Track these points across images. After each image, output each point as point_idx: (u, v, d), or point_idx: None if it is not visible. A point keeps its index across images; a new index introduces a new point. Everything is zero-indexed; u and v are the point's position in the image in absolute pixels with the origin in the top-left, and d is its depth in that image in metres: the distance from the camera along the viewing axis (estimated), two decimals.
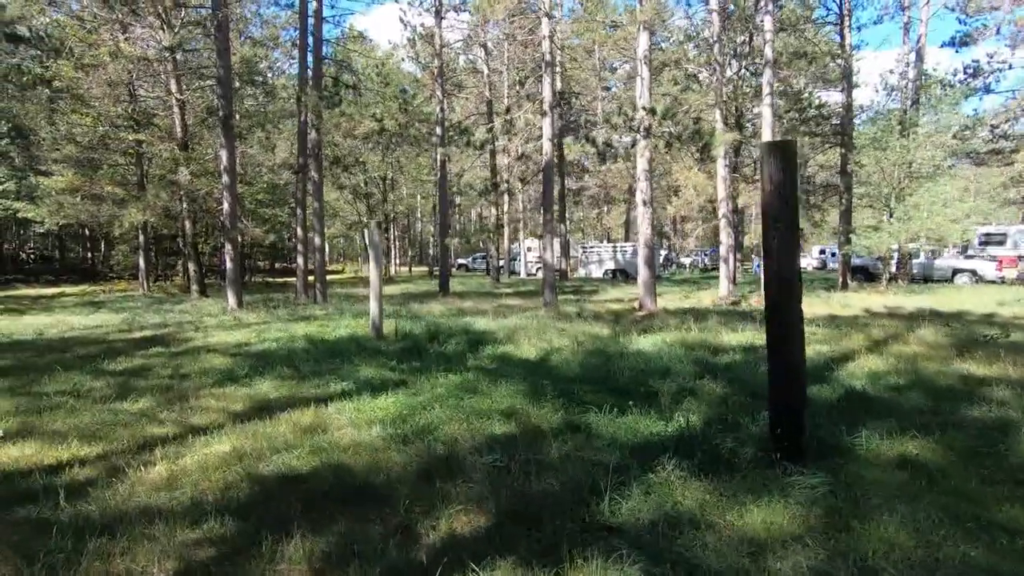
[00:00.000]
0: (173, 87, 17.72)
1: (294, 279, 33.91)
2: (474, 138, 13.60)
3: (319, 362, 7.18)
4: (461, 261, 44.43)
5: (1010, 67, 22.75)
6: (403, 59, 22.01)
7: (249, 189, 21.06)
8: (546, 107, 14.12)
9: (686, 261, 42.63)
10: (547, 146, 14.30)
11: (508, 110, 13.68)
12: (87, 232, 33.27)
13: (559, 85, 13.52)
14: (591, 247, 34.17)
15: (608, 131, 11.17)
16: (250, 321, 12.12)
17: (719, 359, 6.96)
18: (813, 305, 15.12)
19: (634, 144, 13.71)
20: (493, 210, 25.21)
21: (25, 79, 15.26)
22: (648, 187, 12.27)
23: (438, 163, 17.63)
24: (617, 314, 12.36)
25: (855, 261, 24.10)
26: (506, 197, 29.28)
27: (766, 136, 14.12)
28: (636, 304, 13.26)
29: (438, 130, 17.85)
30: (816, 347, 7.51)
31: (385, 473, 3.62)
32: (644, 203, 12.23)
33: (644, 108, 10.76)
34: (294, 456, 3.89)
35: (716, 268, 42.49)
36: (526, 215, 35.81)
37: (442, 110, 17.59)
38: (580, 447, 3.99)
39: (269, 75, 24.11)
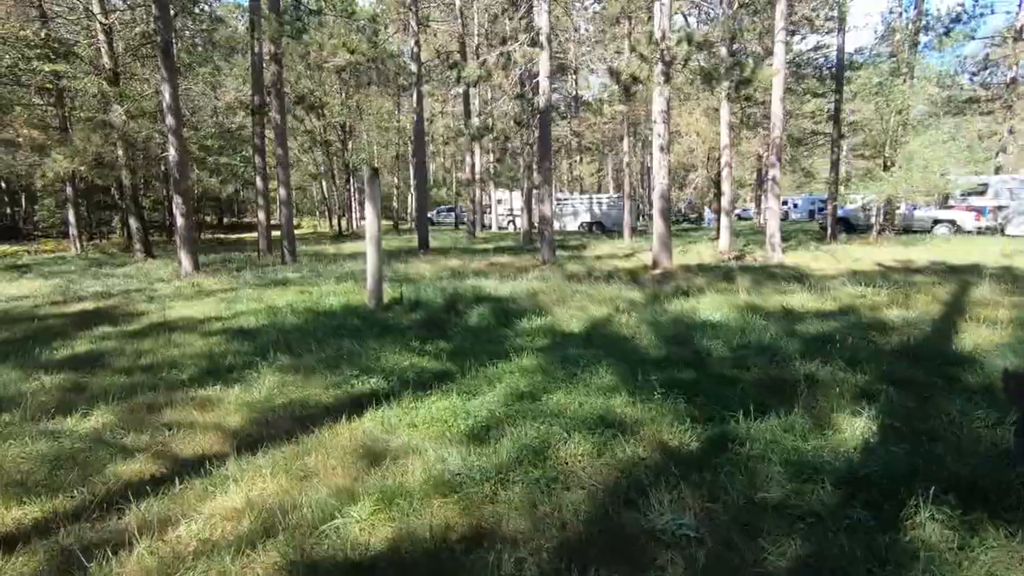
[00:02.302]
0: (96, 8, 14.86)
1: (249, 236, 31.33)
2: (464, 73, 11.84)
3: (321, 344, 5.75)
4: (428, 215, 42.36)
5: (992, 11, 22.20)
6: None
7: (196, 134, 18.49)
8: (542, 39, 12.43)
9: None
10: (544, 84, 12.69)
11: (504, 41, 11.92)
12: (3, 184, 29.43)
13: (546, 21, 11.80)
14: (565, 199, 32.79)
15: (635, 62, 9.69)
16: (213, 288, 10.39)
17: (804, 329, 5.93)
18: (820, 259, 14.46)
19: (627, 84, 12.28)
20: (468, 159, 23.36)
21: None
22: (666, 131, 10.95)
23: (415, 103, 15.69)
24: (632, 273, 11.25)
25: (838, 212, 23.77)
26: (477, 147, 27.37)
27: (776, 76, 12.94)
28: (650, 261, 12.17)
29: (412, 66, 15.79)
30: (897, 312, 6.61)
31: (510, 551, 2.36)
32: (661, 149, 10.95)
33: (680, 36, 9.29)
34: (353, 518, 2.57)
35: (688, 220, 42.05)
36: (492, 166, 33.89)
37: (417, 43, 15.50)
38: (757, 482, 2.83)
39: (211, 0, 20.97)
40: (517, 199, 34.35)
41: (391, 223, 38.98)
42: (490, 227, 34.04)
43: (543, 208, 13.08)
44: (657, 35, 10.15)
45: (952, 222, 22.70)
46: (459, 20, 21.47)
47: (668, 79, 9.75)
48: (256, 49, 14.37)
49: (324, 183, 31.50)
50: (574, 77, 29.01)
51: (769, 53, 17.87)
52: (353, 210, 34.12)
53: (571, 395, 4.06)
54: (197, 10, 19.30)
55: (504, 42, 12.08)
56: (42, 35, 15.39)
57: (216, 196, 26.95)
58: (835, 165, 20.60)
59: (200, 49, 20.20)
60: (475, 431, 3.52)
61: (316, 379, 4.63)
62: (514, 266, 13.57)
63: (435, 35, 24.06)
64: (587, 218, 30.79)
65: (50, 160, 14.67)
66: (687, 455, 3.17)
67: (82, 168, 15.00)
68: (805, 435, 3.35)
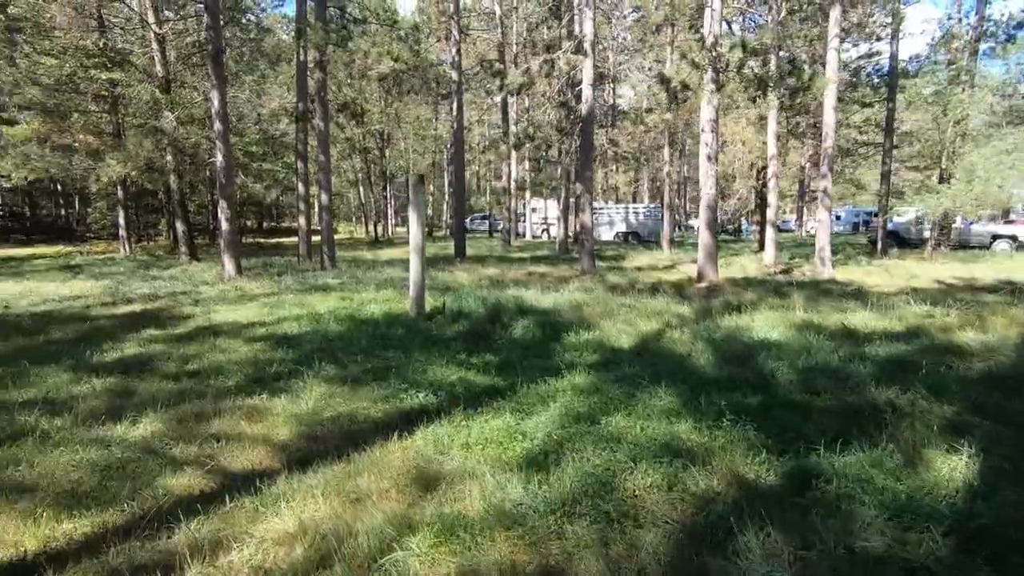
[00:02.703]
0: (150, 17, 15.36)
1: (288, 240, 31.95)
2: (508, 81, 11.74)
3: (366, 354, 5.64)
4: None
5: None
6: None
7: (241, 140, 18.93)
8: (586, 46, 12.25)
9: (694, 223, 41.20)
10: (587, 91, 12.49)
11: (549, 48, 11.77)
12: (59, 187, 30.74)
13: (590, 28, 11.62)
14: (600, 208, 32.41)
15: (685, 69, 9.40)
16: (255, 292, 10.48)
17: (873, 351, 5.54)
18: (873, 275, 13.84)
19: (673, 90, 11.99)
20: (505, 168, 23.29)
21: None
22: (714, 140, 10.60)
23: (455, 111, 15.71)
24: (677, 286, 10.91)
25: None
26: (513, 155, 27.32)
27: (831, 85, 12.44)
28: (693, 273, 11.80)
29: (453, 74, 15.81)
30: (973, 335, 6.14)
31: None
32: (709, 158, 10.61)
33: (733, 42, 8.97)
34: (413, 550, 2.39)
35: (726, 231, 41.10)
36: (529, 174, 33.81)
37: (459, 52, 15.52)
38: (852, 527, 2.55)
39: (258, 11, 21.54)
40: (552, 208, 34.18)
41: (425, 230, 39.26)
42: (524, 235, 33.92)
43: (583, 217, 12.85)
44: (708, 41, 9.85)
45: (1013, 237, 21.56)
46: (499, 29, 21.48)
47: (721, 86, 9.44)
48: (301, 57, 14.58)
49: (361, 189, 31.91)
50: (612, 86, 28.73)
51: (815, 61, 17.31)
52: (388, 217, 34.45)
53: (631, 418, 3.82)
54: (244, 21, 19.85)
55: (548, 49, 11.94)
56: (100, 45, 15.99)
57: (257, 201, 27.54)
58: (886, 177, 19.78)
59: (246, 58, 20.73)
60: (533, 455, 3.31)
61: (363, 391, 4.50)
62: (553, 276, 13.36)
63: (474, 44, 24.16)
64: (623, 228, 30.36)
65: (104, 164, 15.16)
66: (767, 491, 2.90)
67: (133, 172, 15.47)
68: (897, 473, 3.04)
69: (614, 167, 40.52)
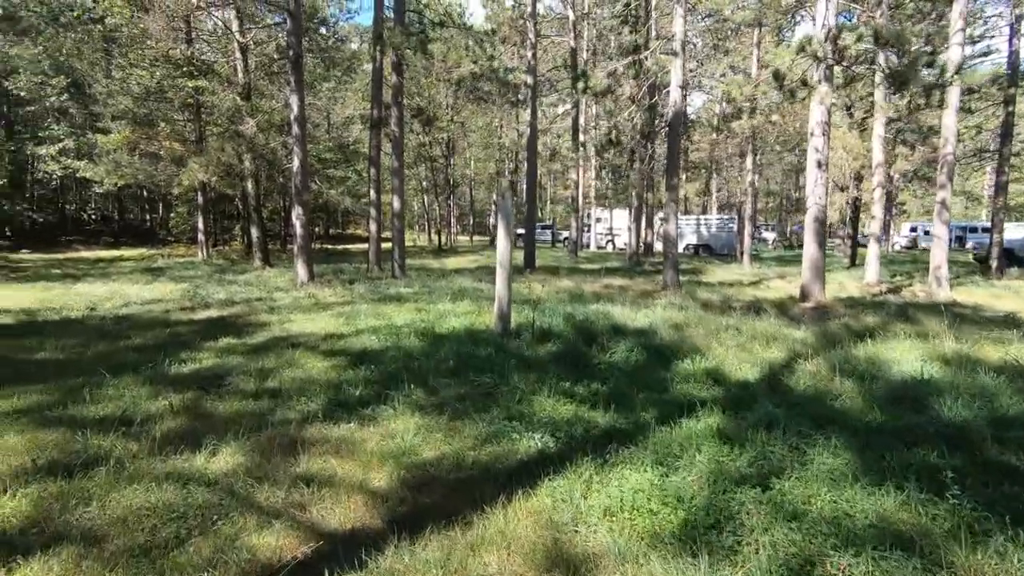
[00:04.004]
0: (234, 26, 15.72)
1: (355, 247, 32.43)
2: (591, 84, 11.08)
3: (456, 377, 5.06)
4: (520, 231, 42.02)
5: None
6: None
7: (315, 147, 19.17)
8: (676, 46, 11.42)
9: (769, 236, 39.09)
10: (676, 94, 11.64)
11: (637, 48, 11.05)
12: (145, 193, 32.42)
13: (681, 26, 10.77)
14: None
15: (801, 63, 8.44)
16: (329, 300, 10.20)
17: None
18: (1002, 297, 12.24)
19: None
20: (573, 175, 22.58)
21: (76, 14, 13.57)
22: (825, 144, 9.51)
23: (528, 116, 15.21)
24: (779, 305, 9.85)
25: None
26: (580, 163, 26.60)
27: (955, 86, 11.05)
28: (783, 290, 10.70)
29: (528, 78, 15.33)
30: None
31: None
32: (819, 164, 9.52)
33: (860, 32, 7.91)
34: None
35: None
36: (596, 183, 32.97)
37: (534, 55, 15.03)
38: None
39: (337, 20, 21.91)
40: (617, 217, 33.19)
41: (487, 239, 39.03)
42: (588, 246, 33.03)
43: (667, 228, 11.96)
44: (819, 35, 8.83)
45: None
46: (571, 33, 20.89)
47: (849, 81, 8.43)
48: (377, 64, 14.46)
49: (426, 197, 32.01)
50: (685, 92, 27.57)
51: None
52: (452, 225, 34.41)
53: (806, 482, 3.02)
54: (324, 31, 20.17)
55: (636, 49, 11.20)
56: (187, 55, 16.53)
57: (324, 207, 28.01)
58: (1002, 188, 17.76)
59: (320, 69, 21.06)
60: (698, 530, 2.58)
61: (464, 426, 3.89)
62: (633, 290, 12.52)
63: (545, 51, 23.70)
64: (693, 240, 28.98)
65: (187, 170, 15.57)
66: None
67: (213, 178, 15.83)
68: None
69: (684, 176, 39.06)
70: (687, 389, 4.85)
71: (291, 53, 11.79)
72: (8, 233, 25.63)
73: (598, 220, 34.43)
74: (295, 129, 12.05)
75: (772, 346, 6.34)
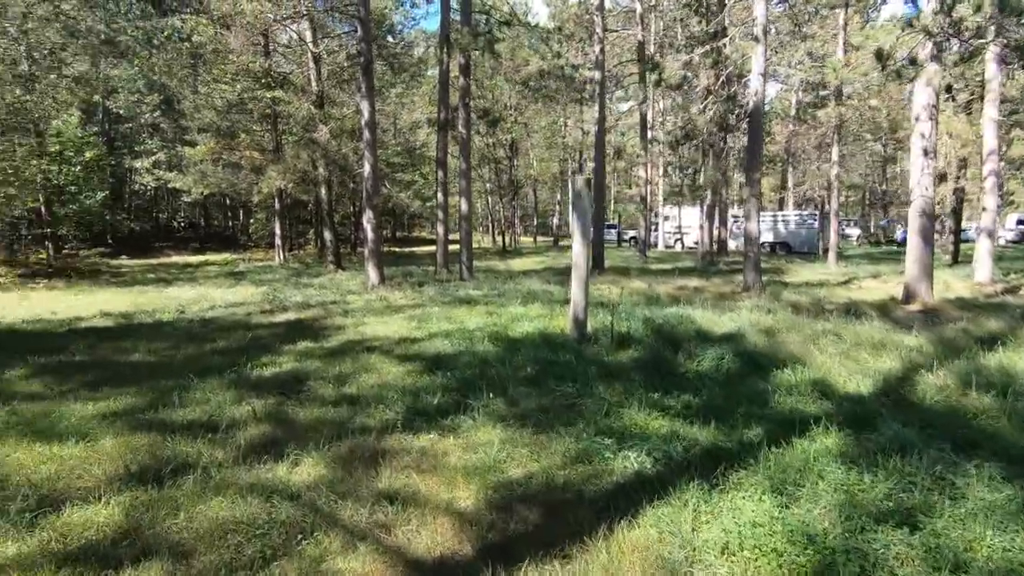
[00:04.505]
0: (308, 37, 16.28)
1: (420, 249, 33.05)
2: (665, 75, 10.57)
3: (536, 385, 4.82)
4: None
5: None
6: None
7: (383, 152, 19.62)
8: (758, 31, 10.71)
9: (852, 232, 36.58)
10: (757, 82, 10.93)
11: (714, 35, 10.44)
12: (228, 201, 34.36)
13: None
14: (743, 216, 29.74)
15: (911, 39, 7.62)
16: (400, 303, 10.24)
17: None
18: None
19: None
20: (641, 173, 21.92)
21: (166, 34, 14.50)
22: (933, 130, 8.59)
23: (596, 112, 14.83)
24: (880, 308, 9.00)
25: None
26: (649, 160, 25.77)
27: None
28: (889, 292, 9.77)
29: (596, 74, 14.92)
30: None
31: None
32: (925, 152, 8.60)
33: (978, 2, 7.03)
34: None
35: (893, 242, 35.94)
36: (663, 180, 31.92)
37: (602, 50, 14.61)
38: None
39: (404, 27, 22.37)
40: (687, 215, 32.03)
41: (551, 239, 38.74)
42: (656, 245, 32.05)
43: (749, 226, 11.25)
44: (929, 7, 7.95)
45: None
46: (639, 26, 20.24)
47: (967, 57, 7.54)
48: (444, 67, 14.50)
49: (489, 199, 32.12)
50: (766, 80, 26.17)
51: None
52: (515, 226, 34.35)
53: (957, 519, 2.55)
54: (391, 39, 20.58)
55: (714, 36, 10.57)
56: (265, 67, 17.31)
57: (391, 210, 28.66)
58: None
59: (389, 75, 21.52)
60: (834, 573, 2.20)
61: (550, 441, 3.63)
62: (710, 291, 11.88)
63: (611, 46, 23.14)
64: (770, 237, 27.48)
65: (266, 177, 16.27)
66: None
67: (289, 184, 16.46)
68: None
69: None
70: (791, 403, 4.39)
71: (362, 59, 11.98)
72: (109, 241, 27.79)
73: (666, 218, 33.37)
74: (366, 134, 12.24)
75: (882, 354, 5.70)
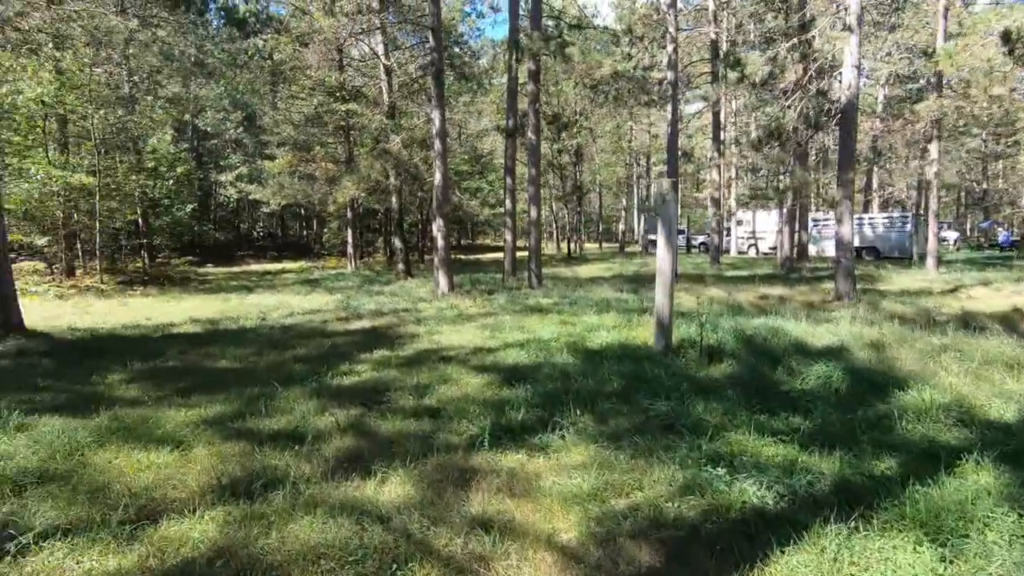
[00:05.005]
0: (380, 50, 16.73)
1: (486, 256, 33.24)
2: (748, 71, 9.98)
3: (624, 401, 4.52)
4: (652, 237, 40.38)
5: None
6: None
7: (451, 160, 19.89)
8: (851, 19, 9.95)
9: (950, 236, 33.72)
10: (850, 75, 10.13)
11: (802, 27, 9.76)
12: (303, 211, 35.92)
13: None
14: (823, 219, 28.00)
15: None
16: (471, 311, 10.17)
17: None
18: None
19: None
20: (714, 175, 21.03)
21: (250, 54, 15.30)
22: None
23: (669, 114, 14.33)
24: (1003, 320, 8.06)
25: None
26: (721, 162, 24.75)
27: None
28: (1019, 302, 8.72)
29: (669, 74, 14.42)
30: None
31: None
32: None
33: None
34: None
35: (996, 246, 32.78)
36: (735, 183, 30.64)
37: (675, 49, 14.09)
38: None
39: (466, 39, 22.63)
40: (761, 219, 30.60)
41: (616, 245, 38.02)
42: (728, 251, 30.74)
43: (842, 230, 10.43)
44: None
45: None
46: (712, 24, 19.49)
47: None
48: (512, 73, 14.44)
49: (554, 205, 31.89)
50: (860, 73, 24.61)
51: None
52: (580, 232, 33.93)
53: None
54: (457, 50, 20.84)
55: (801, 28, 9.86)
56: (340, 81, 17.94)
57: (458, 218, 28.99)
58: None
59: (456, 85, 21.81)
60: None
61: (650, 467, 3.33)
62: (797, 300, 11.12)
63: (680, 45, 22.40)
64: (856, 242, 25.65)
65: (340, 188, 16.82)
66: None
67: (362, 194, 16.93)
68: None
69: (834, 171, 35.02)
70: (923, 430, 3.87)
71: (433, 68, 12.09)
72: (197, 250, 29.65)
73: (739, 223, 31.97)
74: (437, 144, 12.33)
75: (1021, 375, 5.00)
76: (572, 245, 30.75)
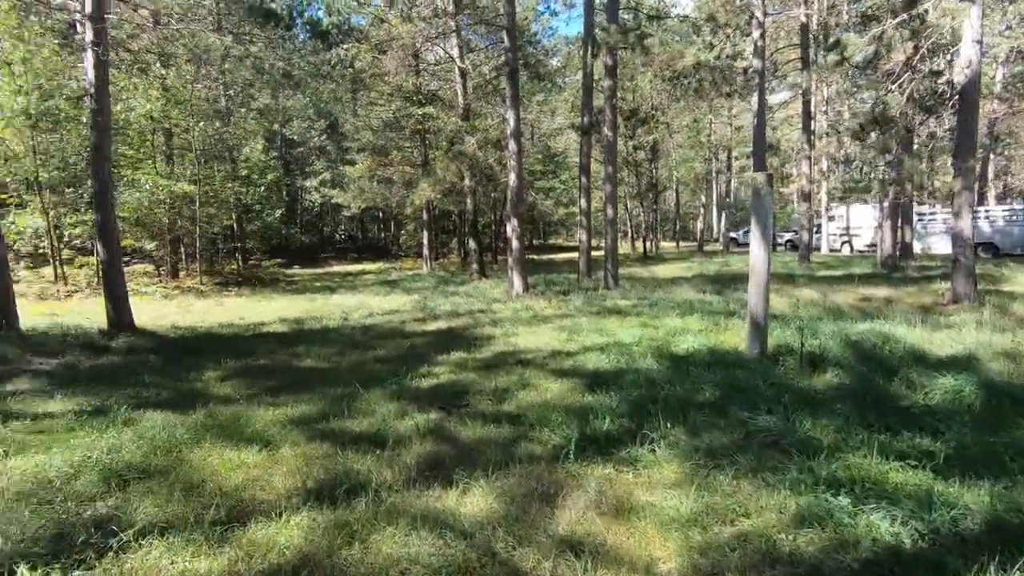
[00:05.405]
0: (455, 53, 16.94)
1: (559, 256, 32.96)
2: (848, 52, 9.14)
3: (718, 412, 4.17)
4: (733, 235, 38.51)
5: None
6: None
7: (525, 160, 19.87)
8: None
9: None
10: (969, 52, 9.05)
11: (912, 1, 8.78)
12: (381, 214, 37.17)
13: None
14: (930, 213, 25.52)
15: None
16: (546, 312, 9.98)
17: None
18: None
19: None
20: (803, 167, 19.66)
21: (333, 63, 15.95)
22: None
23: (755, 104, 13.50)
24: None
25: None
26: (811, 154, 23.12)
27: None
28: None
29: (755, 62, 13.58)
30: None
31: None
32: None
33: None
34: None
35: None
36: (826, 175, 28.53)
37: (762, 35, 13.25)
38: None
39: (538, 39, 22.52)
40: (857, 214, 28.38)
41: (694, 244, 36.62)
42: (818, 249, 28.75)
43: (961, 224, 9.33)
44: None
45: None
46: (802, 7, 18.22)
47: None
48: (587, 69, 14.13)
49: (629, 203, 31.11)
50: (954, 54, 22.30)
51: None
52: (656, 231, 32.93)
53: None
54: (531, 49, 20.76)
55: (911, 2, 8.87)
56: (416, 85, 18.35)
57: (532, 218, 28.95)
58: None
59: (529, 85, 21.74)
60: None
61: (756, 489, 3.00)
62: (906, 303, 10.11)
63: (767, 30, 21.13)
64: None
65: (417, 190, 17.21)
66: None
67: (437, 196, 17.25)
68: None
69: (946, 159, 31.84)
70: None
71: (507, 68, 12.02)
72: (285, 253, 31.37)
73: (831, 218, 29.82)
74: (511, 144, 12.24)
75: None
76: (648, 244, 29.86)
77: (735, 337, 6.82)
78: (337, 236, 41.06)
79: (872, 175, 17.73)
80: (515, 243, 12.56)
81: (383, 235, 41.71)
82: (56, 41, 14.51)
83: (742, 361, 5.69)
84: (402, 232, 31.29)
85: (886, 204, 17.67)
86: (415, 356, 6.89)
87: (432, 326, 9.25)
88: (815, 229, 29.18)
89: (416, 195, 17.41)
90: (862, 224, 28.14)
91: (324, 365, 6.67)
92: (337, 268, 27.68)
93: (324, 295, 14.82)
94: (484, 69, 18.82)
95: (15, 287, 9.25)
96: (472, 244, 18.70)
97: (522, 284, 12.48)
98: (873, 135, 9.91)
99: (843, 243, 29.14)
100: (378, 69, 17.79)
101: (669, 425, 3.95)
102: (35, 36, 13.56)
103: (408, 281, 18.35)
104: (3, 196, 15.08)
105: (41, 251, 15.68)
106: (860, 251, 27.91)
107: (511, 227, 12.87)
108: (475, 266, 18.36)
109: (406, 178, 19.54)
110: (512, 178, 12.37)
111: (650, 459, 3.48)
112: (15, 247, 15.03)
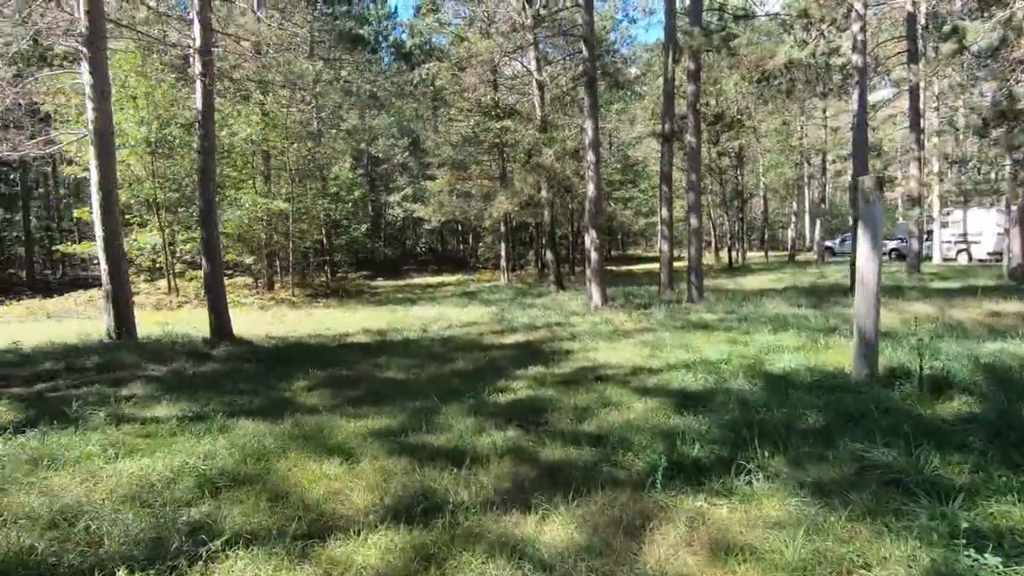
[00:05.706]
0: (532, 66, 17.04)
1: (638, 268, 32.17)
2: (968, 40, 8.20)
3: (829, 444, 3.75)
4: (828, 244, 35.94)
5: None
6: None
7: (604, 170, 19.62)
8: None
9: None
10: None
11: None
12: (460, 227, 38.03)
13: None
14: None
15: None
16: (626, 326, 9.65)
17: None
18: None
19: None
20: (913, 170, 17.96)
21: (415, 83, 16.51)
22: None
23: (854, 104, 12.47)
24: None
25: None
26: (922, 154, 21.11)
27: None
28: None
29: (855, 58, 12.57)
30: None
31: None
32: None
33: None
34: None
35: None
36: (938, 178, 25.94)
37: (863, 28, 12.24)
38: None
39: (616, 48, 22.25)
40: (976, 220, 25.63)
41: (784, 254, 34.56)
42: (930, 258, 26.19)
43: None
44: None
45: None
46: None
47: None
48: (668, 74, 13.69)
49: (712, 212, 29.85)
50: None
51: None
52: (742, 240, 31.35)
53: None
54: (609, 58, 20.51)
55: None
56: (494, 100, 18.64)
57: (611, 229, 28.47)
58: None
59: (608, 94, 21.49)
60: None
61: (876, 536, 2.63)
62: None
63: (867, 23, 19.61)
64: None
65: (496, 203, 17.40)
66: None
67: (515, 208, 17.35)
68: None
69: None
70: None
71: (586, 78, 11.87)
72: (370, 265, 32.77)
73: (944, 225, 27.10)
74: (590, 155, 12.05)
75: None
76: (733, 254, 28.45)
77: (838, 356, 6.23)
78: (418, 249, 42.39)
79: (999, 175, 15.87)
80: (594, 255, 12.31)
81: (462, 247, 42.59)
82: (173, 76, 16.02)
83: (849, 384, 5.16)
84: (480, 244, 31.78)
85: (1014, 207, 15.76)
86: (493, 370, 6.83)
87: (510, 339, 9.19)
88: (925, 236, 26.61)
89: (494, 208, 17.58)
90: (982, 230, 25.37)
91: (404, 376, 6.75)
92: (418, 280, 28.49)
93: (405, 307, 15.21)
94: (561, 80, 18.79)
95: (134, 298, 10.17)
96: (549, 256, 18.59)
97: (601, 296, 12.19)
98: (995, 132, 8.81)
99: (960, 251, 26.36)
100: (458, 86, 18.23)
101: (767, 454, 3.60)
102: (156, 72, 15.07)
103: (486, 293, 18.50)
104: (127, 216, 16.76)
105: (158, 265, 17.23)
106: (981, 260, 25.15)
107: (589, 238, 12.64)
108: (552, 278, 18.22)
109: (484, 191, 19.81)
110: (590, 188, 12.16)
111: (747, 492, 3.16)
112: (136, 261, 16.62)
